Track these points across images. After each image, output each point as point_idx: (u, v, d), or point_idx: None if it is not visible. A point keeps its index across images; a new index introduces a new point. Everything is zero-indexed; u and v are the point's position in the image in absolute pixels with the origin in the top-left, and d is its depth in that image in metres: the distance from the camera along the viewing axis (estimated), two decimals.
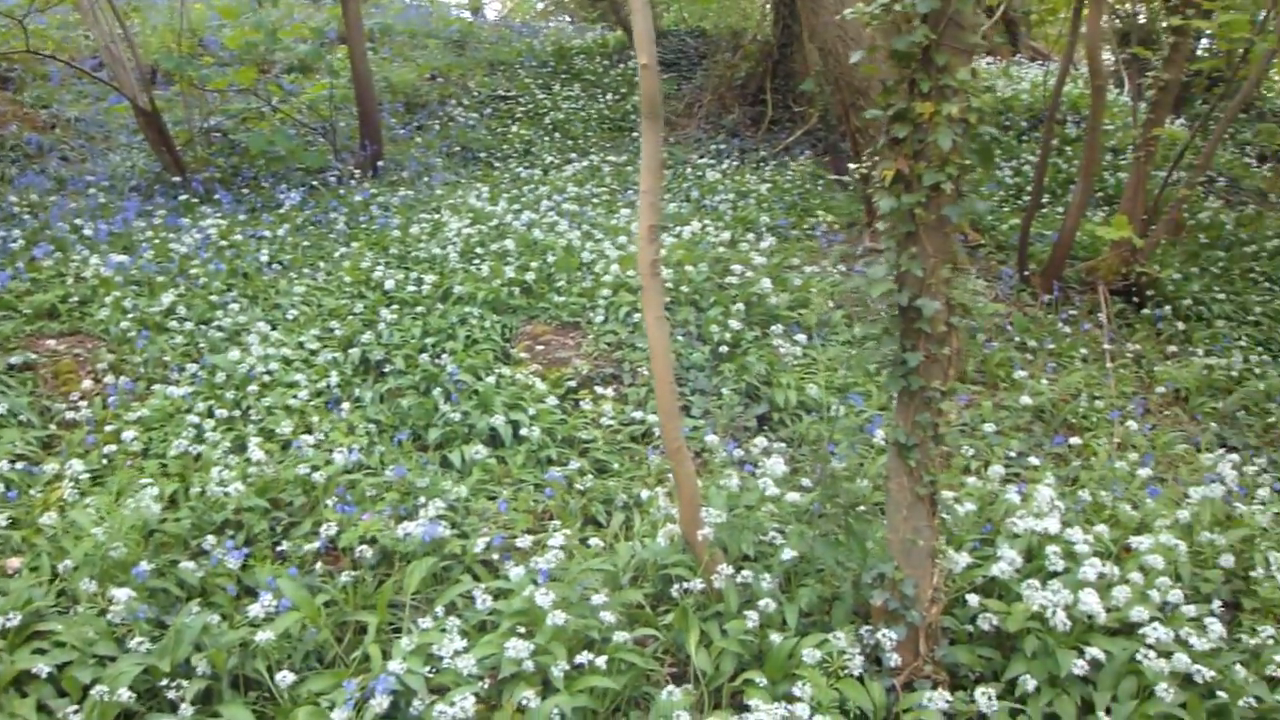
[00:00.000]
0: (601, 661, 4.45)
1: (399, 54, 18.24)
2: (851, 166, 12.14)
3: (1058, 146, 14.43)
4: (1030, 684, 4.48)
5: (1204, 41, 14.16)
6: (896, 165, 4.14)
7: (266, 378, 7.16)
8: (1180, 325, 9.82)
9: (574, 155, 13.68)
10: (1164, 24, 10.38)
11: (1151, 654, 4.50)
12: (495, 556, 5.43)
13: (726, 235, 9.80)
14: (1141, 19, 14.96)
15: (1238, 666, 4.63)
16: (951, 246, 4.26)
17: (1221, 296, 10.47)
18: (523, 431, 6.70)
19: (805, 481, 5.92)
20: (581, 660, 4.44)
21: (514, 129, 14.72)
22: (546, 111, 15.53)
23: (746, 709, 4.24)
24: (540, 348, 7.85)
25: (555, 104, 15.83)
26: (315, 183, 11.64)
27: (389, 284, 8.33)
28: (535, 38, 20.17)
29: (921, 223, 4.19)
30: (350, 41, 12.32)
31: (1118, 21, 14.43)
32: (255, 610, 4.68)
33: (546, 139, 14.54)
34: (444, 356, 7.46)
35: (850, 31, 9.98)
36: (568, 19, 25.94)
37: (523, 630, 4.59)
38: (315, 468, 6.05)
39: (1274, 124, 17.68)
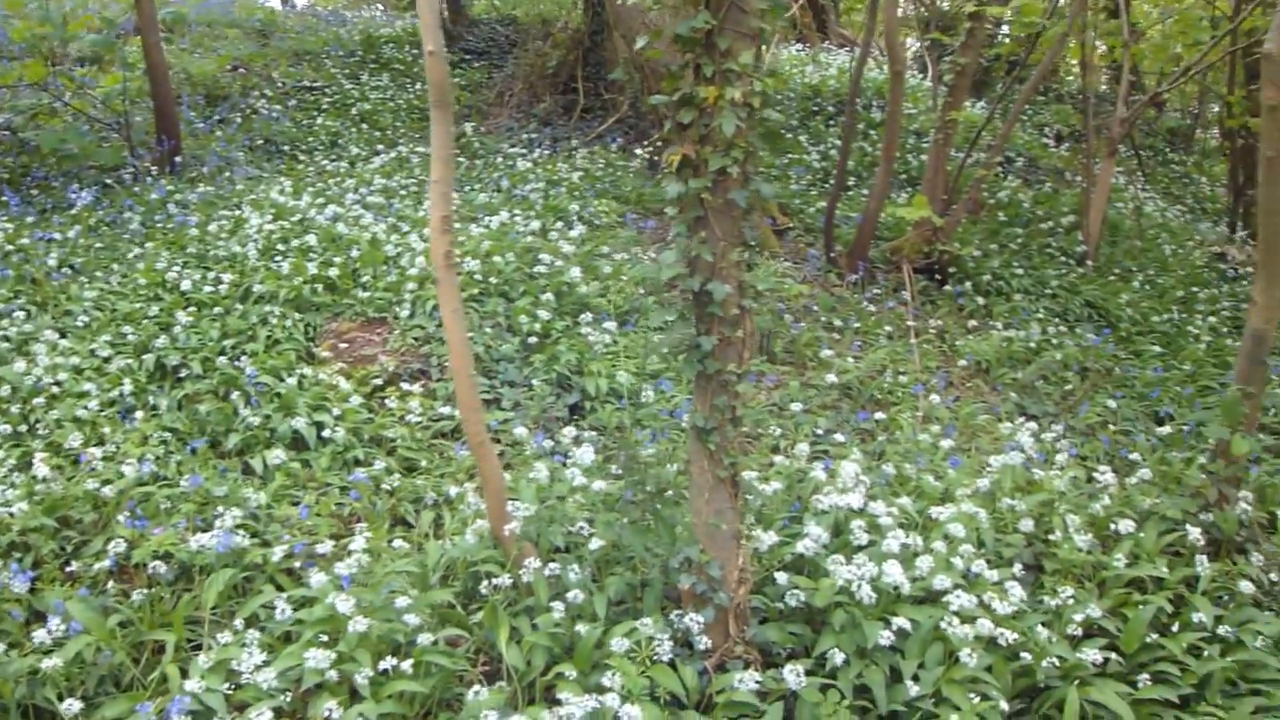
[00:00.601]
0: (408, 665, 4.36)
1: (199, 45, 17.56)
2: (639, 152, 12.23)
3: (863, 130, 14.80)
4: (839, 657, 4.53)
5: (1005, 27, 14.73)
6: (683, 150, 4.13)
7: (55, 389, 6.80)
8: (981, 300, 10.16)
9: (382, 147, 13.39)
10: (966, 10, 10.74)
11: (956, 620, 4.59)
12: (298, 564, 5.27)
13: (537, 224, 9.73)
14: (945, 5, 15.46)
15: (1040, 627, 4.79)
16: (740, 230, 4.28)
17: (1020, 271, 10.88)
18: (327, 433, 6.52)
19: (615, 469, 5.90)
20: (387, 665, 4.33)
21: (320, 120, 14.32)
22: (354, 102, 15.17)
23: (559, 703, 4.20)
24: (345, 346, 7.65)
25: (363, 94, 15.48)
26: (109, 181, 11.12)
27: (186, 285, 7.99)
28: (343, 26, 19.70)
29: (710, 207, 4.20)
30: (144, 32, 11.79)
31: (922, 9, 14.87)
32: (41, 636, 4.46)
33: (354, 130, 14.19)
34: (244, 359, 7.21)
35: (654, 18, 10.01)
36: (379, 7, 25.43)
37: (326, 639, 4.47)
38: (107, 481, 5.79)
39: (1070, 105, 18.49)
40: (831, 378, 7.74)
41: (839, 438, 6.91)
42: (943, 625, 4.61)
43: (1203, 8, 14.55)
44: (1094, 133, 12.58)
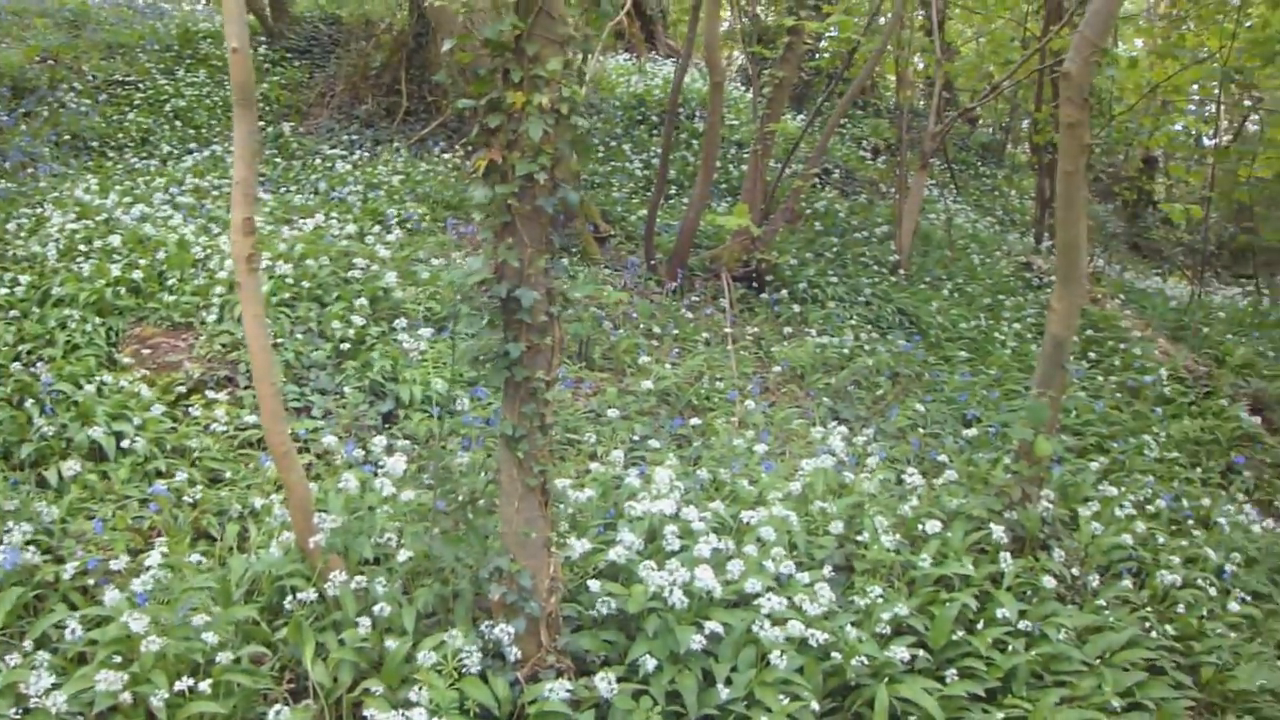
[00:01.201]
0: (206, 685, 4.20)
1: (6, 34, 16.69)
2: (445, 156, 12.15)
3: (685, 140, 14.99)
4: (651, 663, 4.53)
5: (824, 42, 15.09)
6: (490, 155, 4.10)
7: None
8: (797, 307, 10.39)
9: (195, 145, 13.00)
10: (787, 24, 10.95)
11: (767, 623, 4.65)
12: (93, 581, 5.03)
13: (353, 228, 9.55)
14: (770, 19, 15.73)
15: (850, 627, 4.89)
16: (548, 237, 4.27)
17: (835, 279, 11.16)
18: (126, 443, 6.25)
19: (427, 479, 5.80)
20: (184, 686, 4.17)
21: (131, 117, 13.74)
22: (168, 98, 14.61)
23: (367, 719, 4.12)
24: (148, 352, 7.35)
25: (178, 90, 14.91)
26: None
27: None
28: (160, 19, 18.95)
29: (517, 213, 4.18)
30: None
31: (745, 22, 15.12)
32: None
33: (166, 128, 13.68)
34: (40, 365, 6.87)
35: (477, 22, 9.93)
36: (199, 1, 24.57)
37: (120, 659, 4.28)
38: None
39: (886, 119, 19.08)
40: (649, 384, 7.79)
41: (655, 444, 6.96)
42: (755, 628, 4.66)
43: (1013, 28, 15.18)
44: (908, 146, 12.98)
